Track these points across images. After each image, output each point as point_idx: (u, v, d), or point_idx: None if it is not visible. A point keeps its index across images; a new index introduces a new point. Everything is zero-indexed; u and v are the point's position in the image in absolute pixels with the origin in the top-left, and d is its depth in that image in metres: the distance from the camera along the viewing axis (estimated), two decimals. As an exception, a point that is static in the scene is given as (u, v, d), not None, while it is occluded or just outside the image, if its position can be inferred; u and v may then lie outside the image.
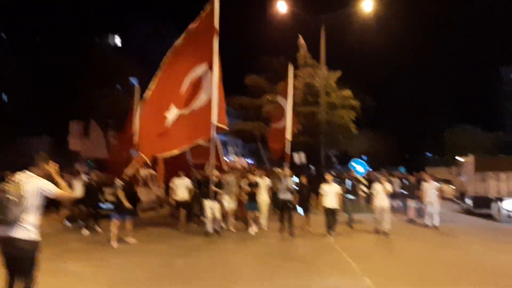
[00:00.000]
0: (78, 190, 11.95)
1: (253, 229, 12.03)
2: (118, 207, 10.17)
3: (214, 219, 11.33)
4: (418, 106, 61.17)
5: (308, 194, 12.91)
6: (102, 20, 49.39)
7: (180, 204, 12.43)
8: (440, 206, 13.77)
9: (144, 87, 11.23)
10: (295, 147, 28.33)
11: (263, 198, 12.60)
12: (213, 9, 10.73)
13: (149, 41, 53.05)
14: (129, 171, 10.91)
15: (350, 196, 13.33)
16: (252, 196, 12.20)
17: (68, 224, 12.48)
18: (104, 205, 12.50)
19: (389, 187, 12.13)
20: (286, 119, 14.55)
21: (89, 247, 10.03)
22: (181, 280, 7.39)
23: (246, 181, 12.59)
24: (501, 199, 15.78)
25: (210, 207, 11.25)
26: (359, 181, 13.37)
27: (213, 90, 10.58)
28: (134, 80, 56.88)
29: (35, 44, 24.13)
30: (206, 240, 10.88)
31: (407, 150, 59.69)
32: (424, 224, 13.63)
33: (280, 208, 11.77)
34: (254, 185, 12.29)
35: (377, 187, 12.25)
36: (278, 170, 12.65)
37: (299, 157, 23.88)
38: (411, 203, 14.77)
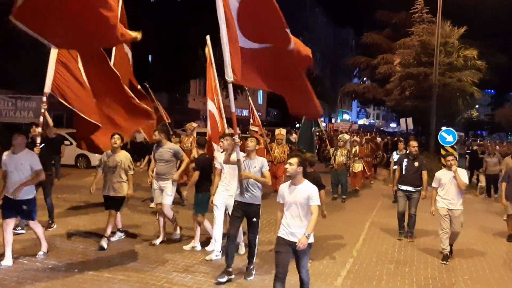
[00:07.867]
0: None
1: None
2: None
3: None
4: None
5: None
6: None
7: None
8: None
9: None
10: (402, 113, 25.95)
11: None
12: None
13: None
14: None
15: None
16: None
17: None
18: None
19: (464, 176, 7.02)
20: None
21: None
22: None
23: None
24: None
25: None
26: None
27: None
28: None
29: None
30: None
31: None
32: None
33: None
34: None
35: (444, 176, 7.11)
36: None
37: (406, 124, 21.85)
38: None
